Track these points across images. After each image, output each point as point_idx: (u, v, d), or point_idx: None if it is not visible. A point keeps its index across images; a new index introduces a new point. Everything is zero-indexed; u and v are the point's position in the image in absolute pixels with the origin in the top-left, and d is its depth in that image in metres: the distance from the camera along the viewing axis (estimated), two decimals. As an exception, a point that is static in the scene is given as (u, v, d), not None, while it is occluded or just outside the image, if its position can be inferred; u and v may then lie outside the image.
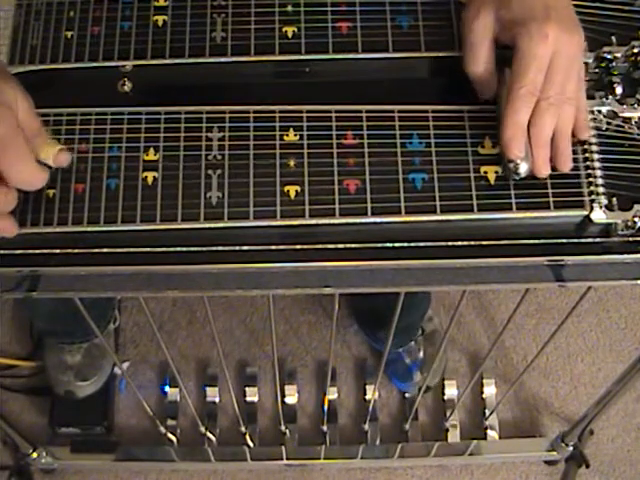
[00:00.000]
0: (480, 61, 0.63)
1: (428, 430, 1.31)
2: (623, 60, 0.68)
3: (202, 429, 1.25)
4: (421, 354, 1.31)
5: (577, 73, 0.62)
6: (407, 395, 1.33)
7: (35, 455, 1.20)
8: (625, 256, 0.63)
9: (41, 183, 0.60)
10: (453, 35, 0.68)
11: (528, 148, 0.62)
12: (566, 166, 0.63)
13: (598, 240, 0.63)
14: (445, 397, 1.32)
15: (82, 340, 1.27)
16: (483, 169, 0.64)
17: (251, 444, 1.27)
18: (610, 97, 0.67)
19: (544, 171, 0.63)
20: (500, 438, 1.30)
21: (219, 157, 0.64)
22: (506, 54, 0.62)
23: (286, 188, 0.63)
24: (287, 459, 1.25)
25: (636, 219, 0.62)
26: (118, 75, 0.67)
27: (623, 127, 0.66)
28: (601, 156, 0.64)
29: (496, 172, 0.64)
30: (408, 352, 1.31)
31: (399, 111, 0.65)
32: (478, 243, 0.62)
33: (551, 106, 0.61)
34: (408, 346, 1.30)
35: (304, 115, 0.65)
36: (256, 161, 0.63)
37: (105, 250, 0.62)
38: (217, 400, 1.32)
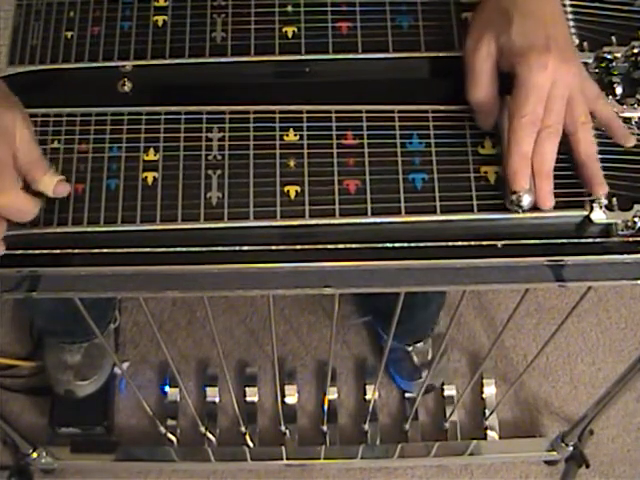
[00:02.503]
0: (482, 88, 0.63)
1: (428, 430, 1.31)
2: (623, 60, 0.68)
3: (202, 429, 1.25)
4: (430, 355, 1.31)
5: (579, 101, 0.62)
6: (407, 395, 1.33)
7: (35, 455, 1.20)
8: (625, 256, 0.63)
9: (30, 215, 0.60)
10: (453, 35, 0.68)
11: (531, 180, 0.61)
12: (602, 190, 0.62)
13: (598, 240, 0.63)
14: (445, 397, 1.32)
15: (82, 340, 1.27)
16: (483, 169, 0.64)
17: (251, 444, 1.26)
18: (610, 97, 0.67)
19: (548, 203, 0.62)
20: (500, 438, 1.30)
21: (219, 157, 0.64)
22: (508, 83, 0.62)
23: (286, 188, 0.63)
24: (287, 459, 1.25)
25: (636, 219, 0.62)
26: (118, 75, 0.67)
27: (623, 127, 0.66)
28: (601, 156, 0.64)
29: (496, 172, 0.64)
30: (417, 352, 1.31)
31: (399, 111, 0.65)
32: (478, 243, 0.62)
33: (551, 135, 0.61)
34: (418, 346, 1.30)
35: (304, 115, 0.65)
36: (256, 161, 0.63)
37: (105, 250, 0.62)
38: (217, 400, 1.32)
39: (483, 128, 0.65)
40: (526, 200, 0.61)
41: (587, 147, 0.62)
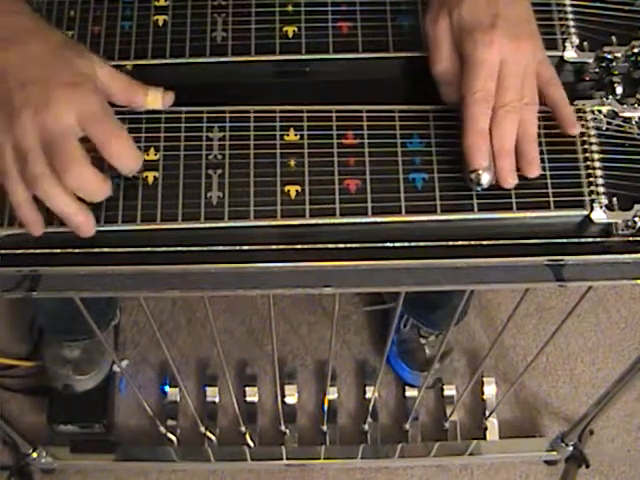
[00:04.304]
0: (442, 61, 0.63)
1: (428, 430, 1.31)
2: (623, 60, 0.68)
3: (202, 429, 1.25)
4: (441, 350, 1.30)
5: (533, 78, 0.62)
6: (407, 394, 1.33)
7: (35, 455, 1.20)
8: (625, 256, 0.63)
9: (139, 162, 0.59)
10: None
11: (491, 158, 0.61)
12: (531, 171, 0.63)
13: (598, 240, 0.63)
14: (445, 397, 1.32)
15: (84, 337, 1.27)
16: (483, 169, 0.64)
17: (251, 444, 1.26)
18: (610, 97, 0.67)
19: (510, 180, 0.62)
20: (500, 438, 1.30)
21: (219, 157, 0.64)
22: None
23: (286, 188, 0.63)
24: (287, 459, 1.25)
25: (636, 219, 0.62)
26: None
27: (623, 127, 0.66)
28: (601, 156, 0.64)
29: (496, 172, 0.64)
30: (430, 345, 1.31)
31: (399, 111, 0.65)
32: (478, 243, 0.62)
33: (508, 113, 0.61)
34: (431, 339, 1.30)
35: (304, 115, 0.65)
36: (256, 161, 0.63)
37: (105, 250, 0.62)
38: (217, 400, 1.31)
39: (447, 102, 0.65)
40: (485, 178, 0.61)
41: (526, 127, 0.62)
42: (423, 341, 1.31)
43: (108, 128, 0.57)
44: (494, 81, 0.60)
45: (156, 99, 0.62)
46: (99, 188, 0.58)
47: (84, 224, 0.59)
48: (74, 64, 0.57)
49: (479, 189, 0.62)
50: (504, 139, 0.61)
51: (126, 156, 0.58)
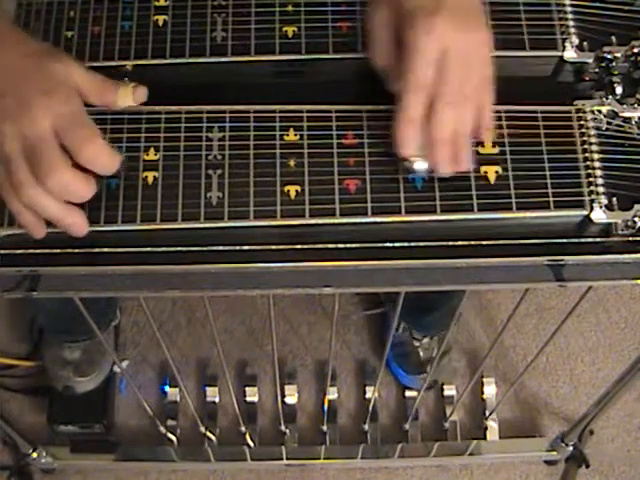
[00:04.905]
0: (381, 53, 0.62)
1: (428, 430, 1.31)
2: (623, 60, 0.68)
3: (202, 429, 1.25)
4: (435, 352, 1.31)
5: (478, 72, 0.60)
6: (407, 395, 1.33)
7: (35, 455, 1.20)
8: (625, 256, 0.63)
9: (115, 166, 0.59)
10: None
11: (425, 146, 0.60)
12: (463, 167, 0.62)
13: (598, 240, 0.63)
14: (445, 397, 1.32)
15: (85, 338, 1.27)
16: (483, 169, 0.64)
17: (251, 444, 1.26)
18: (610, 97, 0.67)
19: (446, 169, 0.61)
20: (500, 438, 1.30)
21: (219, 157, 0.64)
22: None
23: (286, 188, 0.63)
24: (287, 459, 1.25)
25: (636, 219, 0.62)
26: (118, 75, 0.67)
27: (623, 127, 0.66)
28: (601, 156, 0.64)
29: (496, 172, 0.64)
30: (424, 348, 1.31)
31: (399, 111, 0.65)
32: (478, 243, 0.62)
33: (447, 105, 0.59)
34: (425, 342, 1.30)
35: (304, 115, 0.65)
36: (256, 161, 0.63)
37: (105, 250, 0.62)
38: (217, 400, 1.31)
39: (393, 92, 0.63)
40: (418, 166, 0.61)
41: (464, 121, 0.60)
42: (416, 344, 1.31)
43: (81, 134, 0.57)
44: (433, 70, 0.58)
45: (127, 95, 0.62)
46: (82, 189, 0.58)
47: (74, 225, 0.60)
48: (49, 71, 0.58)
49: (418, 177, 0.62)
50: (440, 130, 0.59)
51: (101, 161, 0.58)
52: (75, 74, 0.59)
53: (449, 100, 0.59)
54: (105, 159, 0.59)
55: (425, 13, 0.57)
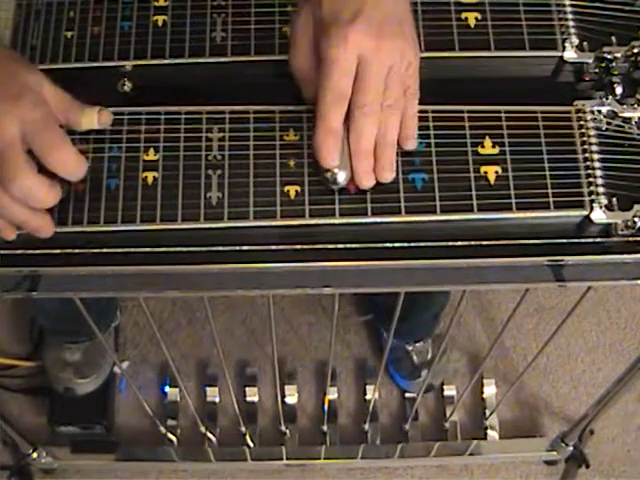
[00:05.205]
0: (299, 59, 0.62)
1: (428, 430, 1.31)
2: (623, 60, 0.68)
3: (202, 429, 1.25)
4: (429, 355, 1.31)
5: (399, 80, 0.59)
6: (407, 395, 1.33)
7: (35, 455, 1.20)
8: (625, 256, 0.63)
9: (82, 172, 0.59)
10: (453, 36, 0.68)
11: (347, 157, 0.60)
12: (383, 177, 0.61)
13: (598, 240, 0.63)
14: (445, 397, 1.32)
15: (85, 339, 1.27)
16: (483, 169, 0.64)
17: (251, 444, 1.26)
18: (610, 97, 0.67)
19: (365, 182, 0.61)
20: (500, 438, 1.30)
21: (219, 157, 0.64)
22: None
23: (286, 188, 0.63)
24: (287, 459, 1.25)
25: (636, 219, 0.62)
26: (118, 75, 0.67)
27: (623, 127, 0.66)
28: (601, 156, 0.64)
29: (496, 172, 0.64)
30: (417, 351, 1.31)
31: (399, 111, 0.65)
32: (478, 243, 0.62)
33: (365, 115, 0.58)
34: (418, 345, 1.30)
35: (304, 115, 0.65)
36: (256, 161, 0.63)
37: (105, 250, 0.62)
38: (217, 400, 1.32)
39: (307, 101, 0.63)
40: (341, 177, 0.60)
41: (386, 131, 0.60)
42: (409, 348, 1.31)
43: (48, 140, 0.57)
44: (349, 79, 0.57)
45: (92, 119, 0.61)
46: (44, 196, 0.58)
47: (39, 228, 0.60)
48: (18, 76, 0.58)
49: (336, 188, 0.61)
50: (359, 140, 0.59)
51: (67, 167, 0.58)
52: (45, 85, 0.59)
53: (368, 110, 0.58)
54: (72, 164, 0.59)
55: (341, 23, 0.57)
